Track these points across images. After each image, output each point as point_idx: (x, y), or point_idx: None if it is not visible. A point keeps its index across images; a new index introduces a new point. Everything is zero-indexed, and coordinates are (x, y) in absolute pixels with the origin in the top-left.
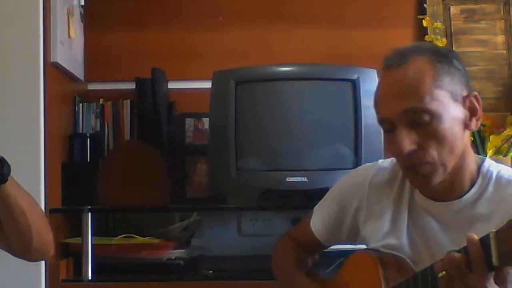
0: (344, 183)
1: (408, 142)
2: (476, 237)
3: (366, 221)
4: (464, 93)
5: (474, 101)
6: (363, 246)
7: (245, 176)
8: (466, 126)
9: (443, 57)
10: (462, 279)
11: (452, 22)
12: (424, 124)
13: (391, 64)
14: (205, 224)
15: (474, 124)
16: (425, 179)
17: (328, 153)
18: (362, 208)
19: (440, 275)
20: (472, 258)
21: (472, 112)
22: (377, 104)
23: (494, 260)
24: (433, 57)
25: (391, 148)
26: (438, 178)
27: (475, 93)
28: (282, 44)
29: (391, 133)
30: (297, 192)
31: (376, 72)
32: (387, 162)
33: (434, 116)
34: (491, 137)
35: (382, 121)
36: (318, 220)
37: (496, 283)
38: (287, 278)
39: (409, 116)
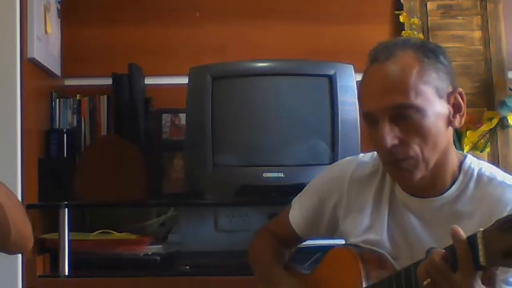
0: (324, 177)
1: (390, 136)
2: (463, 234)
3: (346, 215)
4: (449, 89)
5: (459, 97)
6: (342, 241)
7: (221, 172)
8: (449, 122)
9: (430, 53)
10: (447, 280)
11: (429, 17)
12: (407, 119)
13: (378, 58)
14: (182, 220)
15: (458, 121)
16: (406, 174)
17: (304, 149)
18: (342, 202)
19: (425, 283)
20: (459, 256)
21: (456, 108)
22: (361, 98)
23: (482, 259)
24: (420, 52)
25: (374, 142)
26: (420, 173)
27: (460, 89)
28: (258, 40)
29: (374, 127)
30: (274, 188)
31: (353, 68)
32: (367, 157)
33: (419, 112)
34: (468, 132)
35: (366, 114)
36: (297, 213)
37: (483, 283)
38: (265, 272)
39: (393, 111)
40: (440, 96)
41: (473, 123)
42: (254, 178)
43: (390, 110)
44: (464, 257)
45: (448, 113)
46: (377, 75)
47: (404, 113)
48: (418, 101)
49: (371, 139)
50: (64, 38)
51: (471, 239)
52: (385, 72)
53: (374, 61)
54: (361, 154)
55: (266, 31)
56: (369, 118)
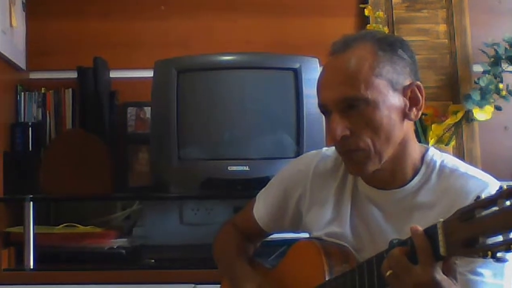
0: (288, 171)
1: (341, 127)
2: (420, 228)
3: (309, 209)
4: (407, 82)
5: (417, 90)
6: (306, 235)
7: (186, 165)
8: (405, 115)
9: (388, 46)
10: (408, 273)
11: (394, 11)
12: (358, 111)
13: (335, 50)
14: (147, 213)
15: (414, 114)
16: (358, 166)
17: (269, 142)
18: (305, 196)
19: (387, 274)
20: (417, 249)
21: (413, 101)
22: (318, 89)
23: (442, 250)
24: (376, 45)
25: (329, 133)
26: (372, 166)
27: (418, 83)
28: (224, 33)
29: (328, 118)
30: (239, 181)
31: (318, 61)
32: (331, 150)
33: (369, 104)
34: (433, 126)
35: (321, 106)
36: (261, 207)
37: (444, 273)
38: (229, 266)
39: (344, 103)
40: (395, 89)
41: (438, 116)
42: (219, 171)
43: (340, 102)
44: (422, 249)
45: (404, 106)
46: (332, 67)
47: (354, 105)
48: (369, 94)
49: (327, 131)
50: (29, 32)
51: (432, 230)
52: (340, 64)
53: (332, 53)
54: (325, 148)
55: (232, 24)
56: (324, 110)
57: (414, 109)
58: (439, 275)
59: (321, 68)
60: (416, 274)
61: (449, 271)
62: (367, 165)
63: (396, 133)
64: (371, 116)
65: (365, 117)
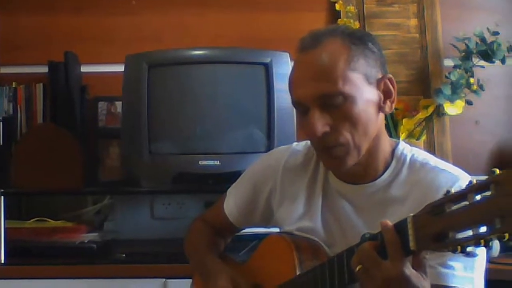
0: (258, 166)
1: (321, 124)
2: (389, 223)
3: (280, 204)
4: (379, 75)
5: (389, 83)
6: (277, 230)
7: (157, 160)
8: (380, 108)
9: (358, 40)
10: (377, 267)
11: (365, 5)
12: (337, 106)
13: (306, 46)
14: (118, 208)
15: (388, 107)
16: (338, 161)
17: (241, 137)
18: (276, 191)
19: (357, 269)
20: (387, 243)
21: (386, 94)
22: (291, 87)
23: (412, 244)
24: (347, 39)
25: (305, 130)
26: (352, 160)
27: (390, 75)
28: (195, 28)
29: (305, 115)
30: (210, 176)
31: (289, 56)
32: (301, 145)
33: (348, 99)
34: (404, 120)
35: (296, 103)
36: (232, 203)
37: (413, 268)
38: (200, 261)
39: (322, 99)
40: (370, 83)
41: (409, 111)
42: (190, 166)
43: (319, 98)
44: (391, 244)
45: (379, 100)
46: (304, 63)
47: (333, 100)
48: (347, 88)
49: (302, 128)
50: (0, 26)
51: (402, 224)
52: (313, 60)
53: (302, 49)
54: (295, 143)
55: (203, 18)
56: (300, 107)
57: (388, 101)
58: (408, 270)
59: (292, 63)
60: (385, 268)
61: (419, 266)
62: (346, 160)
63: (372, 126)
64: (350, 111)
65: (343, 112)
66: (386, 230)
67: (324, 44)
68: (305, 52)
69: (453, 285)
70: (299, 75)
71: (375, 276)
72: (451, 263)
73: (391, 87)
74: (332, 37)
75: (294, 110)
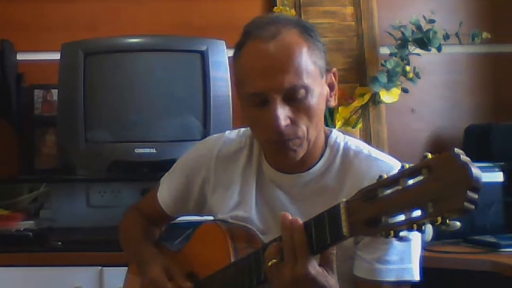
0: (191, 155)
1: (283, 116)
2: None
3: (214, 192)
4: (327, 68)
5: (333, 77)
6: (211, 218)
7: (93, 148)
8: (327, 102)
9: (311, 31)
10: (282, 267)
11: None
12: (299, 99)
13: (261, 35)
14: (53, 196)
15: (333, 100)
16: (291, 153)
17: (176, 125)
18: (209, 179)
19: (269, 264)
20: (292, 245)
21: (331, 87)
22: (246, 77)
23: (345, 230)
24: (303, 31)
25: (262, 123)
26: (302, 152)
27: (335, 69)
28: (131, 16)
29: (261, 107)
30: (146, 163)
31: (225, 44)
32: (234, 133)
33: (308, 92)
34: (339, 108)
35: (253, 94)
36: (165, 192)
37: (320, 265)
38: (135, 251)
39: (286, 92)
40: (322, 76)
41: (345, 98)
42: (126, 154)
43: (283, 91)
44: (296, 246)
45: (326, 93)
46: (263, 54)
47: (297, 93)
48: (309, 82)
49: (256, 121)
50: None
51: (334, 210)
52: (273, 51)
53: (257, 38)
54: (227, 131)
55: (139, 6)
56: (257, 99)
57: (332, 95)
58: (314, 270)
59: (228, 51)
60: (290, 268)
61: (326, 263)
62: (299, 152)
63: (322, 120)
64: (309, 105)
65: (304, 106)
66: (295, 229)
67: (283, 35)
68: (262, 42)
69: (391, 279)
70: (257, 66)
71: (284, 274)
72: (387, 257)
73: (334, 80)
74: (288, 28)
75: (231, 98)
